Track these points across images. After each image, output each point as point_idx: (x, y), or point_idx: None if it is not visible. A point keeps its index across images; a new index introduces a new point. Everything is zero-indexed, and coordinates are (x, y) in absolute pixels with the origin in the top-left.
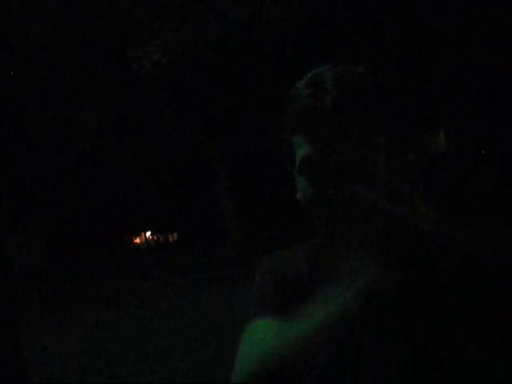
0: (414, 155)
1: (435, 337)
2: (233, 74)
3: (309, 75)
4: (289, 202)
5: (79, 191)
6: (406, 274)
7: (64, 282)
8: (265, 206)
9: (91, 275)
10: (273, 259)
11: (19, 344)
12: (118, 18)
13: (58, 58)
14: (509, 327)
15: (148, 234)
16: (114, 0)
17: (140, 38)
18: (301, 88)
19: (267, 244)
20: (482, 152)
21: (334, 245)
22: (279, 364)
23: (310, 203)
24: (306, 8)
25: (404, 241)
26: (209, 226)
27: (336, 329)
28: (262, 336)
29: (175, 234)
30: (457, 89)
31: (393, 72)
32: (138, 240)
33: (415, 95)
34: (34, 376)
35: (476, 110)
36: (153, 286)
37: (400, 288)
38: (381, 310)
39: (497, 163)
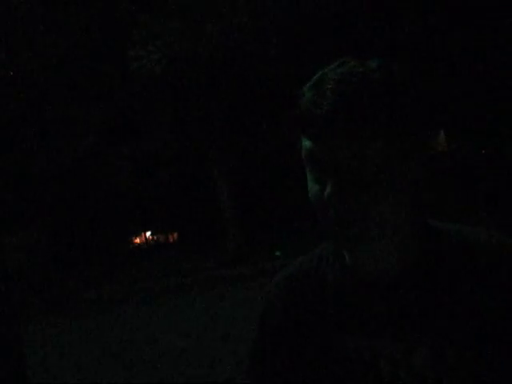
0: (415, 156)
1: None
2: (233, 75)
3: (316, 76)
4: (289, 202)
5: (79, 192)
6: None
7: (64, 282)
8: (265, 206)
9: (91, 275)
10: (287, 277)
11: (19, 344)
12: (119, 18)
13: (58, 58)
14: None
15: (148, 234)
16: (115, 0)
17: (141, 38)
18: (305, 90)
19: (267, 244)
20: (483, 152)
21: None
22: None
23: (313, 198)
24: (308, 7)
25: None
26: (209, 226)
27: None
28: None
29: (175, 234)
30: (457, 89)
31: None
32: (138, 240)
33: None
34: (34, 376)
35: (476, 110)
36: (153, 286)
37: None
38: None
39: (497, 163)
